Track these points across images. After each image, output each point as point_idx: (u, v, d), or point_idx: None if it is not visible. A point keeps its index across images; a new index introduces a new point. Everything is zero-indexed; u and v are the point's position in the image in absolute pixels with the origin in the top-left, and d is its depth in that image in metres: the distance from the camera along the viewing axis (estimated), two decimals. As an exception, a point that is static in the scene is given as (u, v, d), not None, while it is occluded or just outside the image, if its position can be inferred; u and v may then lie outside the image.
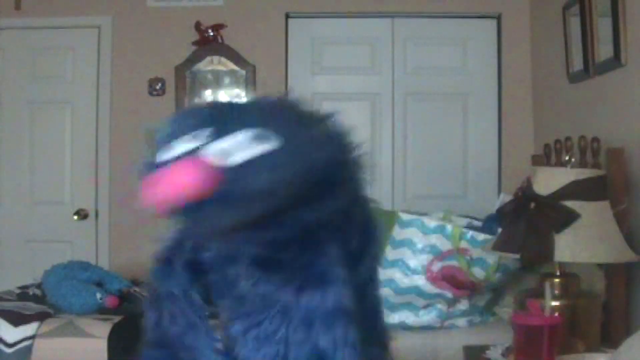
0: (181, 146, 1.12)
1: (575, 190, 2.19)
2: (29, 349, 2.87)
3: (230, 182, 1.09)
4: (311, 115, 1.25)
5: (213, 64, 4.29)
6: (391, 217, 2.93)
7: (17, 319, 2.96)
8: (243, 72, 4.28)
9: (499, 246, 2.34)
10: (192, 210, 1.10)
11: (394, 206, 4.05)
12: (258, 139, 1.12)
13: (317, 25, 4.34)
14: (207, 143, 1.11)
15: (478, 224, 3.02)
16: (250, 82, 4.27)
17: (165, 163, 1.12)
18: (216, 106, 1.23)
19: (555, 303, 2.10)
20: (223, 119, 1.15)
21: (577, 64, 3.28)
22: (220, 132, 1.12)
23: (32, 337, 2.90)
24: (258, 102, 1.27)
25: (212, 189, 1.08)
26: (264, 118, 1.16)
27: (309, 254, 1.21)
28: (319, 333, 1.17)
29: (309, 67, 4.33)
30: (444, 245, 2.81)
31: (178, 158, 1.11)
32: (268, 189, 1.12)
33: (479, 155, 4.27)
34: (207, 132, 1.12)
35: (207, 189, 1.08)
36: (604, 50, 2.95)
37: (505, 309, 2.98)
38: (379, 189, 4.27)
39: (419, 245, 2.83)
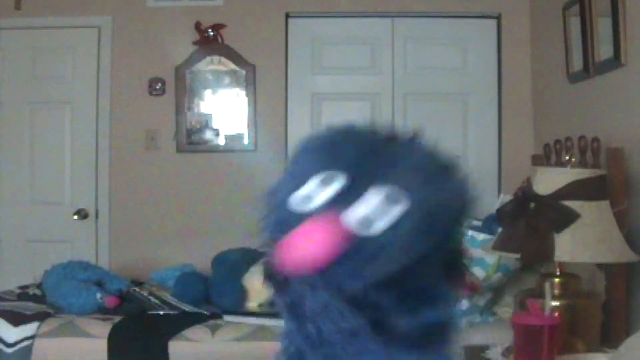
0: (319, 195, 1.02)
1: (575, 190, 2.19)
2: (29, 349, 2.88)
3: (368, 244, 0.99)
4: (448, 163, 1.15)
5: (213, 64, 4.29)
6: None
7: (17, 319, 2.96)
8: (243, 72, 4.28)
9: (499, 246, 2.34)
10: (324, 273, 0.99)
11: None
12: (403, 196, 1.01)
13: (317, 25, 4.34)
14: (349, 198, 1.00)
15: (478, 224, 3.02)
16: (250, 82, 4.27)
17: (301, 216, 1.01)
18: (361, 142, 1.09)
19: (555, 303, 2.10)
20: (370, 163, 1.03)
21: (577, 64, 3.28)
22: (365, 183, 1.01)
23: (32, 337, 2.90)
24: (408, 144, 1.10)
25: (345, 248, 0.98)
26: (414, 169, 1.05)
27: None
28: None
29: (309, 67, 4.33)
30: (444, 245, 2.81)
31: (317, 211, 1.00)
32: (404, 254, 1.01)
33: (479, 155, 4.27)
34: (350, 180, 1.02)
35: (340, 249, 0.98)
36: (604, 50, 2.95)
37: (505, 309, 2.98)
38: (379, 189, 4.27)
39: (419, 245, 2.82)
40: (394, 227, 1.00)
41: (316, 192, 1.03)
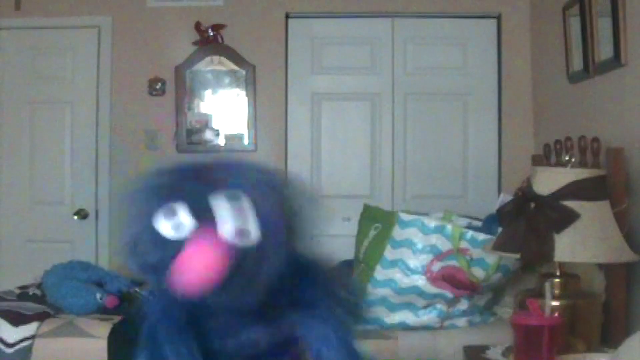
0: (190, 220, 1.15)
1: (575, 190, 2.19)
2: (29, 349, 2.87)
3: (245, 257, 1.13)
4: (275, 177, 1.28)
5: (213, 64, 4.29)
6: (391, 217, 2.93)
7: (17, 319, 2.96)
8: (243, 72, 4.28)
9: (499, 246, 2.34)
10: (217, 288, 1.14)
11: (394, 206, 4.05)
12: (254, 207, 1.15)
13: (317, 25, 4.34)
14: (217, 216, 1.14)
15: (478, 224, 3.02)
16: (250, 82, 4.27)
17: (182, 241, 1.14)
18: (203, 168, 1.23)
19: (555, 303, 2.10)
20: (218, 183, 1.17)
21: (577, 64, 3.28)
22: (207, 203, 1.15)
23: (32, 337, 2.90)
24: (234, 166, 1.25)
25: (229, 265, 1.12)
26: (250, 183, 1.19)
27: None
28: None
29: (309, 67, 4.33)
30: (444, 245, 2.81)
31: (195, 234, 1.14)
32: (278, 257, 1.17)
33: (479, 155, 4.27)
34: (212, 201, 1.14)
35: (226, 266, 1.12)
36: (604, 50, 2.95)
37: (505, 309, 2.99)
38: (379, 189, 4.27)
39: (419, 245, 2.83)
40: (264, 234, 1.13)
41: (179, 221, 1.15)
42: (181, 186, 1.18)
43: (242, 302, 1.17)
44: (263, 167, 1.25)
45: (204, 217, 1.13)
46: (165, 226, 1.15)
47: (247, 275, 1.14)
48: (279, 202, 1.18)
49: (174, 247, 1.13)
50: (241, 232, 1.12)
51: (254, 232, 1.13)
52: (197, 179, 1.19)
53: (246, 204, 1.13)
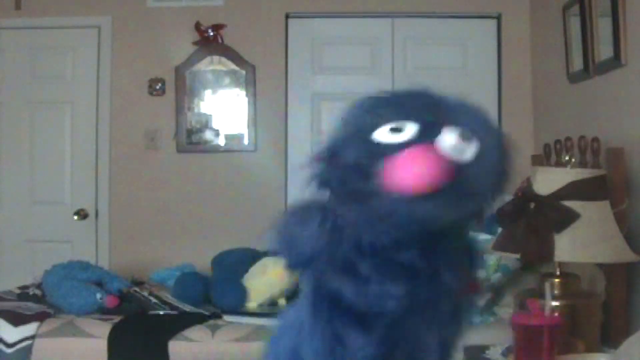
0: (413, 130, 1.07)
1: (575, 190, 2.19)
2: (29, 349, 2.88)
3: (464, 175, 1.06)
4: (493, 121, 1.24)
5: (213, 64, 4.29)
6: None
7: (17, 319, 2.96)
8: (243, 72, 4.28)
9: (499, 246, 2.34)
10: (425, 200, 1.03)
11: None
12: (482, 129, 1.10)
13: (317, 25, 4.34)
14: (428, 137, 1.07)
15: (478, 224, 3.01)
16: (250, 82, 4.27)
17: (401, 145, 1.06)
18: (420, 97, 1.17)
19: (555, 303, 2.10)
20: (435, 112, 1.11)
21: (577, 64, 3.28)
22: (436, 127, 1.08)
23: (32, 337, 2.90)
24: (460, 102, 1.18)
25: (446, 180, 1.04)
26: (482, 115, 1.14)
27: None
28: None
29: (309, 67, 4.33)
30: (444, 245, 2.81)
31: (416, 142, 1.06)
32: (493, 184, 1.10)
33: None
34: (437, 115, 1.09)
35: (443, 180, 1.04)
36: (604, 50, 2.95)
37: (505, 309, 2.98)
38: (379, 189, 4.27)
39: (419, 245, 2.82)
40: (479, 159, 1.06)
41: (401, 126, 1.07)
42: (406, 102, 1.13)
43: (460, 216, 1.08)
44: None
45: (428, 130, 1.07)
46: (379, 132, 1.07)
47: (466, 191, 1.06)
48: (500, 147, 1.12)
49: (386, 151, 1.05)
50: (463, 149, 1.06)
51: (476, 153, 1.07)
52: (426, 96, 1.15)
53: (471, 136, 1.08)
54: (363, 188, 1.04)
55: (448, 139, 1.06)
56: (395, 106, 1.13)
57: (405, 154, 1.03)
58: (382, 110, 1.11)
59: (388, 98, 1.15)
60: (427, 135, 1.06)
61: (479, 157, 1.08)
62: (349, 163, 1.06)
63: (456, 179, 1.04)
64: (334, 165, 1.08)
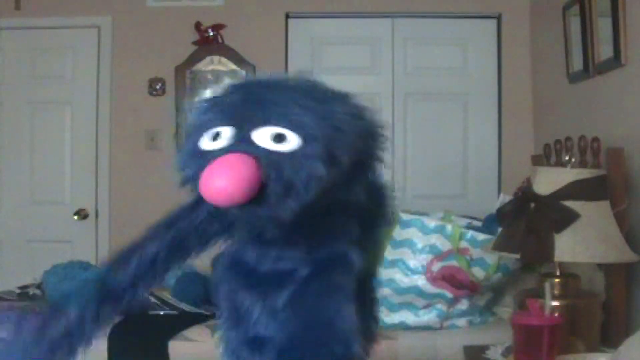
0: (229, 134, 1.16)
1: (575, 190, 2.19)
2: (29, 349, 2.87)
3: (282, 171, 1.11)
4: (334, 92, 1.30)
5: (213, 64, 4.29)
6: (391, 217, 2.92)
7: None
8: (243, 72, 4.28)
9: (499, 246, 2.34)
10: (249, 203, 1.12)
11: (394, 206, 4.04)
12: (298, 120, 1.16)
13: (317, 25, 4.34)
14: (254, 132, 1.15)
15: (478, 224, 3.02)
16: (250, 82, 4.27)
17: (216, 153, 1.15)
18: (251, 86, 1.27)
19: (555, 303, 2.10)
20: (263, 103, 1.18)
21: (577, 64, 3.28)
22: (265, 117, 1.15)
23: (32, 337, 2.89)
24: (289, 80, 1.30)
25: (266, 179, 1.11)
26: (299, 96, 1.23)
27: (334, 231, 1.27)
28: (328, 304, 1.23)
29: (309, 67, 4.33)
30: (444, 245, 2.81)
31: (230, 148, 1.14)
32: (317, 174, 1.13)
33: (479, 155, 4.27)
34: (250, 117, 1.16)
35: (261, 180, 1.10)
36: (604, 50, 2.95)
37: (505, 309, 2.98)
38: (379, 189, 4.26)
39: (419, 245, 2.83)
40: (299, 153, 1.12)
41: (219, 132, 1.17)
42: (229, 99, 1.22)
43: (279, 213, 1.14)
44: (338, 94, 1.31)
45: (243, 127, 1.15)
46: (204, 139, 1.18)
47: (283, 185, 1.12)
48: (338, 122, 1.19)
49: (208, 159, 1.14)
50: (279, 138, 1.13)
51: (293, 141, 1.13)
52: (248, 93, 1.22)
53: (289, 117, 1.15)
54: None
55: (261, 140, 1.13)
56: (215, 111, 1.21)
57: (207, 168, 1.11)
58: (205, 116, 1.21)
59: (212, 102, 1.24)
60: (241, 139, 1.14)
61: (303, 145, 1.13)
62: (189, 178, 1.21)
63: (271, 181, 1.11)
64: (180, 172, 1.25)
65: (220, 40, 4.25)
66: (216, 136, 1.17)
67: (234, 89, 1.26)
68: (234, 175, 1.08)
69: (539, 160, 3.45)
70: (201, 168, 1.13)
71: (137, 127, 4.28)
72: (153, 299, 3.26)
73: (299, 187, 1.12)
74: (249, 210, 1.13)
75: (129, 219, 4.27)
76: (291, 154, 1.12)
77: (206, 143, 1.18)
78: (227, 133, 1.16)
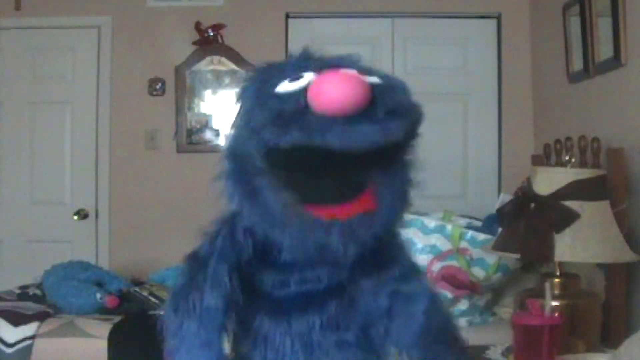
0: (312, 75, 1.09)
1: (575, 190, 2.19)
2: (29, 349, 2.88)
3: (385, 98, 1.06)
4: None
5: (213, 64, 4.29)
6: (391, 217, 2.92)
7: (17, 319, 2.96)
8: (243, 72, 4.28)
9: (499, 246, 2.34)
10: (352, 120, 1.01)
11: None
12: (387, 76, 1.13)
13: (317, 25, 4.34)
14: (359, 69, 1.11)
15: (478, 224, 3.02)
16: (250, 82, 4.27)
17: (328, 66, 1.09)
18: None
19: (555, 303, 2.10)
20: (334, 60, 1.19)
21: (577, 64, 3.28)
22: (344, 63, 1.15)
23: (32, 337, 2.90)
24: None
25: (370, 101, 1.04)
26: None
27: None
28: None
29: (309, 67, 4.32)
30: (444, 245, 2.81)
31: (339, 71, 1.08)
32: (410, 111, 1.10)
33: (479, 155, 4.27)
34: (329, 63, 1.15)
35: (368, 100, 1.03)
36: (604, 50, 2.95)
37: (505, 309, 2.98)
38: (379, 189, 4.27)
39: (419, 245, 2.83)
40: (386, 83, 1.10)
41: (299, 76, 1.10)
42: (303, 61, 1.19)
43: (387, 137, 1.04)
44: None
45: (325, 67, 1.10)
46: (281, 84, 1.08)
47: (390, 109, 1.05)
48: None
49: (293, 97, 1.05)
50: (371, 77, 1.08)
51: (379, 80, 1.09)
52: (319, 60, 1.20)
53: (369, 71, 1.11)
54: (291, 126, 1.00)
55: (349, 72, 1.07)
56: (286, 66, 1.16)
57: (326, 75, 1.03)
58: (276, 71, 1.14)
59: (276, 64, 1.19)
60: (324, 72, 1.07)
61: (384, 83, 1.09)
62: (265, 120, 1.04)
63: (375, 97, 1.04)
64: (252, 130, 1.08)
65: (220, 40, 4.26)
66: (297, 79, 1.08)
67: (290, 58, 1.24)
68: (354, 81, 1.01)
69: (539, 160, 3.46)
70: (286, 107, 1.03)
71: (137, 127, 4.28)
72: (153, 299, 3.26)
73: (405, 106, 1.08)
74: (358, 129, 1.01)
75: (129, 219, 4.27)
76: (384, 83, 1.09)
77: (285, 85, 1.07)
78: (309, 76, 1.08)
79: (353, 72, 1.07)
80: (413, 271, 1.29)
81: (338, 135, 0.99)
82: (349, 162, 1.03)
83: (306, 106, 1.02)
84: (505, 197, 2.93)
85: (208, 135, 4.29)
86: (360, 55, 1.20)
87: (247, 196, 1.13)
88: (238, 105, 1.15)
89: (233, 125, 1.17)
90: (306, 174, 1.05)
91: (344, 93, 1.00)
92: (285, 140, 1.00)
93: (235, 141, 1.16)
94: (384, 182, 1.12)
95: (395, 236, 1.27)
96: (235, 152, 1.15)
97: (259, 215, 1.13)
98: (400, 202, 1.19)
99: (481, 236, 2.81)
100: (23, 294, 3.40)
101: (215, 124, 4.29)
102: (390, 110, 1.05)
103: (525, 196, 2.31)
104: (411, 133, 1.11)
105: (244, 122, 1.12)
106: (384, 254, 1.22)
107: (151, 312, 3.16)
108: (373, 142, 1.01)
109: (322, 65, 1.12)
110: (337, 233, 1.09)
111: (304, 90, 1.04)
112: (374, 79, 1.09)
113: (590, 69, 3.09)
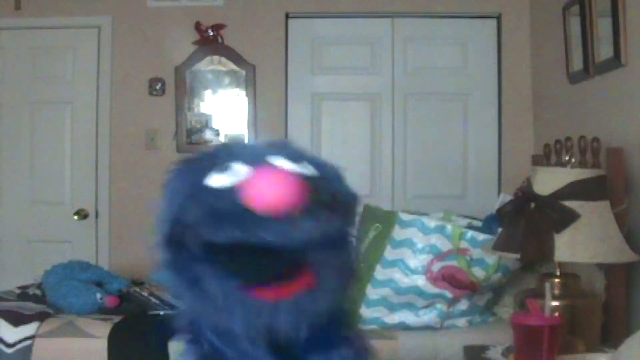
0: (244, 167, 1.09)
1: (575, 190, 2.19)
2: (29, 349, 2.88)
3: (319, 192, 1.08)
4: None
5: (213, 64, 4.29)
6: (391, 217, 2.93)
7: (17, 319, 2.96)
8: (243, 72, 4.28)
9: (499, 246, 2.34)
10: (288, 219, 1.04)
11: (394, 206, 4.05)
12: (320, 164, 1.15)
13: (317, 25, 4.34)
14: (290, 160, 1.11)
15: (478, 224, 3.02)
16: (250, 82, 4.27)
17: (262, 170, 1.08)
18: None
19: (555, 303, 2.10)
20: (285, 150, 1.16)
21: (577, 64, 3.28)
22: (292, 156, 1.13)
23: (32, 337, 2.90)
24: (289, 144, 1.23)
25: (305, 199, 1.06)
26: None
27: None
28: None
29: (309, 67, 4.33)
30: (444, 245, 2.81)
31: (273, 168, 1.09)
32: (346, 200, 1.14)
33: (479, 155, 4.27)
34: (285, 152, 1.13)
35: (303, 199, 1.06)
36: (604, 50, 2.95)
37: (505, 309, 2.98)
38: (379, 189, 4.27)
39: (419, 245, 2.83)
40: (320, 173, 1.12)
41: (229, 167, 1.10)
42: (232, 152, 1.15)
43: (324, 230, 1.07)
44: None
45: (256, 165, 1.09)
46: (211, 177, 1.08)
47: (324, 203, 1.08)
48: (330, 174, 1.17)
49: (235, 195, 1.05)
50: (300, 168, 1.09)
51: (317, 169, 1.11)
52: (246, 148, 1.18)
53: (303, 160, 1.12)
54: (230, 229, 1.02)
55: (281, 164, 1.08)
56: (215, 156, 1.14)
57: (262, 176, 1.04)
58: (205, 161, 1.13)
59: (205, 154, 1.17)
60: (262, 165, 1.07)
61: (318, 174, 1.11)
62: (200, 216, 1.05)
63: (311, 191, 1.06)
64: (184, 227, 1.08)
65: (220, 40, 4.26)
66: (226, 170, 1.09)
67: (209, 150, 1.22)
68: (289, 181, 1.03)
69: (539, 160, 3.46)
70: (220, 204, 1.04)
71: (137, 127, 4.28)
72: (153, 299, 3.26)
73: (340, 196, 1.12)
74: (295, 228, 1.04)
75: (129, 219, 4.27)
76: (320, 176, 1.11)
77: (217, 179, 1.08)
78: (240, 167, 1.08)
79: (286, 165, 1.08)
80: (363, 352, 1.28)
81: (275, 233, 1.02)
82: (287, 249, 1.06)
83: (240, 203, 1.04)
84: (505, 197, 2.93)
85: (208, 135, 4.29)
86: (286, 140, 1.20)
87: (188, 286, 1.14)
88: (167, 196, 1.15)
89: (163, 215, 1.15)
90: (245, 260, 1.07)
91: (281, 195, 1.02)
92: (221, 237, 1.03)
93: (169, 231, 1.14)
94: (322, 261, 1.13)
95: (344, 314, 1.27)
96: (170, 242, 1.14)
97: (201, 305, 1.14)
98: (341, 278, 1.19)
99: (481, 236, 2.81)
100: (23, 294, 3.40)
101: (215, 124, 4.29)
102: (325, 203, 1.08)
103: (525, 196, 2.31)
104: (348, 221, 1.15)
105: (176, 215, 1.12)
106: (334, 333, 1.22)
107: (151, 312, 3.16)
108: (310, 236, 1.05)
109: (253, 156, 1.11)
110: (286, 312, 1.10)
111: (237, 187, 1.06)
112: (307, 169, 1.11)
113: (590, 69, 3.09)
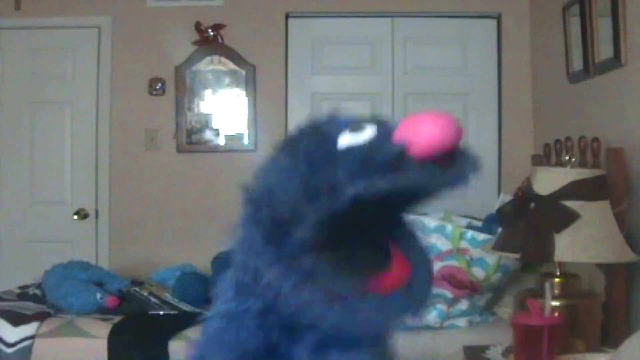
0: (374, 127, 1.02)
1: (575, 190, 2.19)
2: (29, 349, 2.88)
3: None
4: None
5: (213, 64, 4.29)
6: (391, 217, 2.92)
7: (17, 319, 2.96)
8: (243, 72, 4.28)
9: (499, 246, 2.34)
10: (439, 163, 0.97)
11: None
12: None
13: (317, 25, 4.34)
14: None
15: (478, 224, 3.02)
16: (250, 82, 4.27)
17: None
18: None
19: (555, 303, 2.10)
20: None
21: (577, 64, 3.28)
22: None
23: (32, 337, 2.90)
24: None
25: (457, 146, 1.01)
26: None
27: None
28: None
29: (309, 67, 4.33)
30: (444, 245, 2.81)
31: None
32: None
33: (479, 155, 4.26)
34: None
35: (456, 145, 1.00)
36: (604, 50, 2.95)
37: (505, 309, 2.99)
38: (379, 189, 4.27)
39: (419, 245, 2.82)
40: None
41: (361, 126, 1.03)
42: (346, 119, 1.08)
43: (464, 182, 1.03)
44: None
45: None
46: (344, 137, 0.99)
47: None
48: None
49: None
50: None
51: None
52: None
53: None
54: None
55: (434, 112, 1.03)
56: (340, 120, 1.07)
57: (418, 117, 0.97)
58: (331, 125, 1.05)
59: (327, 119, 1.09)
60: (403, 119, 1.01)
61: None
62: (350, 171, 0.95)
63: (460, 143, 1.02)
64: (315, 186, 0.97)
65: (220, 40, 4.25)
66: (359, 128, 1.00)
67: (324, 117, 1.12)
68: (447, 119, 0.96)
69: (539, 160, 3.45)
70: (373, 155, 0.95)
71: (137, 127, 4.28)
72: (153, 299, 3.26)
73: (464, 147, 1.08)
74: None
75: (129, 219, 4.27)
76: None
77: (354, 137, 0.99)
78: (371, 127, 1.01)
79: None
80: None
81: (435, 178, 1.00)
82: (374, 224, 1.00)
83: (396, 148, 0.96)
84: (505, 197, 2.93)
85: (208, 135, 4.29)
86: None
87: (300, 279, 0.98)
88: (295, 166, 1.02)
89: (277, 194, 1.04)
90: (346, 246, 0.98)
91: (445, 131, 0.97)
92: (379, 187, 0.93)
93: (279, 216, 1.02)
94: (411, 245, 1.10)
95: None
96: (279, 229, 1.02)
97: (313, 299, 0.99)
98: (429, 265, 1.14)
99: (481, 236, 2.81)
100: (23, 294, 3.40)
101: (215, 124, 4.29)
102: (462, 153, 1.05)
103: (525, 196, 2.31)
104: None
105: (301, 186, 0.99)
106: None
107: (151, 312, 3.16)
108: (462, 183, 1.03)
109: (375, 120, 1.04)
110: (397, 306, 1.02)
111: (387, 136, 0.98)
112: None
113: (590, 69, 3.09)
